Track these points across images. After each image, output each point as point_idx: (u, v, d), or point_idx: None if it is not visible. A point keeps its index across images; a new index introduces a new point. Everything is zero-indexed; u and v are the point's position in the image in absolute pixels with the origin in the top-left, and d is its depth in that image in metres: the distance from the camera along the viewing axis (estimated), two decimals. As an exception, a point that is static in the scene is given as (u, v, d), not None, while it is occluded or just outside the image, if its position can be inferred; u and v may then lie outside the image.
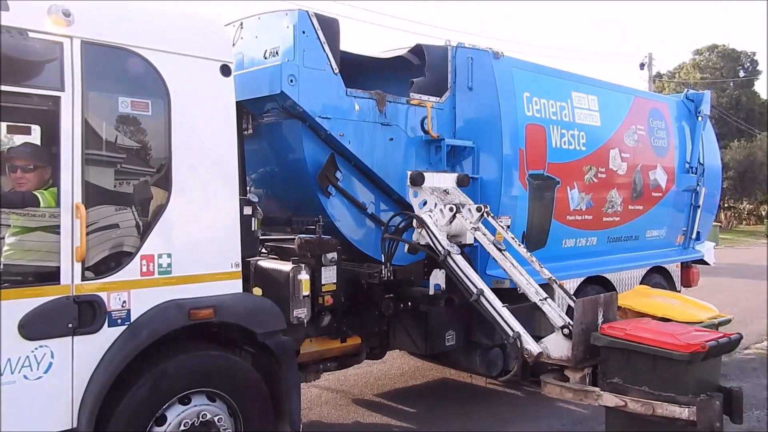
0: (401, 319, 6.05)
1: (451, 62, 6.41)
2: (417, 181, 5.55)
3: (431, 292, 5.55)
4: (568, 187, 7.00)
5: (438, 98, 6.29)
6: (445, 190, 5.71)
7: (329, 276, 5.01)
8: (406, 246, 5.56)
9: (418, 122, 6.06)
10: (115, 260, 3.87)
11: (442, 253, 5.34)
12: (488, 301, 5.25)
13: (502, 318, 5.19)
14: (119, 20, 3.91)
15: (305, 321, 4.78)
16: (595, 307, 5.03)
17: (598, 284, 7.49)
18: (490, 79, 6.34)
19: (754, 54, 48.62)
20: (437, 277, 5.55)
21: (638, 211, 8.06)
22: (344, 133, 5.50)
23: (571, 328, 4.98)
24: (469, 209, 5.59)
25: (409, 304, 5.82)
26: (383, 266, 5.45)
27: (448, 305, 5.63)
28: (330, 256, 5.00)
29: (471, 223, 5.47)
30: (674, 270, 8.86)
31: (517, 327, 5.13)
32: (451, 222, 5.43)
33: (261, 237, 5.44)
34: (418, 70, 6.48)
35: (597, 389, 4.79)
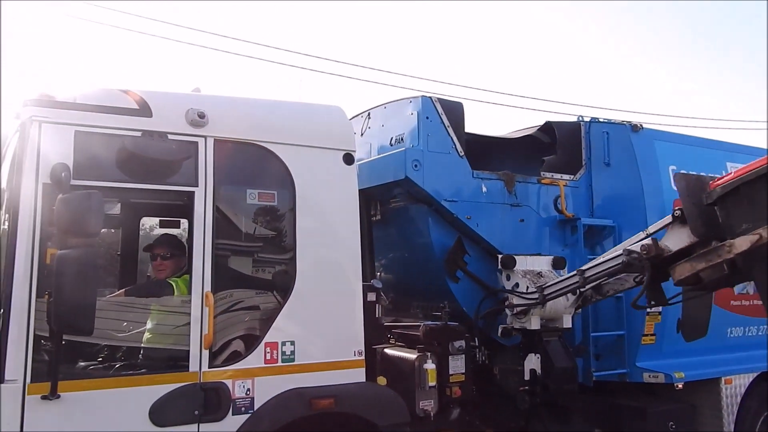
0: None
1: (585, 138, 6.15)
2: (508, 264, 5.29)
3: (526, 377, 5.17)
4: (730, 269, 6.25)
5: (572, 176, 6.01)
6: (539, 273, 5.36)
7: (457, 365, 4.78)
8: (500, 329, 5.28)
9: (551, 201, 5.82)
10: (240, 348, 3.95)
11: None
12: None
13: None
14: (247, 118, 4.17)
15: (432, 414, 4.55)
16: (700, 182, 4.33)
17: (776, 380, 6.51)
18: (629, 154, 5.99)
19: None
20: (532, 362, 5.18)
21: (820, 294, 7.00)
22: (471, 216, 5.38)
23: (681, 210, 4.30)
24: None
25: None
26: (477, 350, 5.17)
27: (544, 392, 5.14)
28: (457, 344, 4.78)
29: (566, 307, 5.17)
30: None
31: None
32: (543, 305, 5.10)
33: (387, 324, 5.38)
34: (549, 148, 6.27)
35: (726, 241, 3.93)
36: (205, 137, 3.92)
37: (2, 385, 3.24)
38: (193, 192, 3.85)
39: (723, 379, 5.98)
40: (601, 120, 6.29)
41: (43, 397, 3.27)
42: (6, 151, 3.88)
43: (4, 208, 3.74)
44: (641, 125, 6.13)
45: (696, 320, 6.03)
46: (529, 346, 5.27)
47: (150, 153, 3.72)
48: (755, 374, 6.24)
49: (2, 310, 3.31)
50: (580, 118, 6.25)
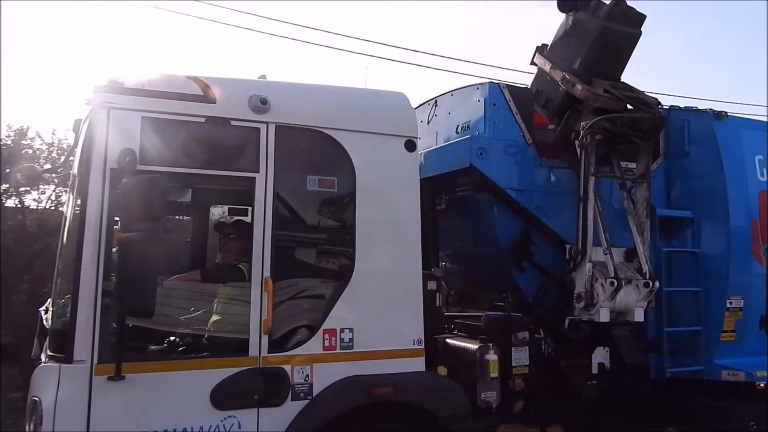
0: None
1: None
2: (578, 255, 5.06)
3: (594, 370, 4.99)
4: (820, 263, 5.83)
5: (648, 165, 5.71)
6: (604, 263, 5.11)
7: (521, 357, 4.66)
8: (567, 321, 5.07)
9: (625, 192, 5.54)
10: (300, 334, 3.97)
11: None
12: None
13: None
14: (309, 104, 4.18)
15: (494, 406, 4.46)
16: None
17: None
18: (711, 143, 5.64)
19: None
20: (600, 355, 4.99)
21: None
22: (539, 206, 5.21)
23: None
24: (636, 285, 5.03)
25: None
26: (543, 341, 5.01)
27: (614, 387, 4.92)
28: (521, 335, 4.67)
29: (638, 300, 4.96)
30: None
31: None
32: (614, 297, 4.88)
33: (449, 314, 5.30)
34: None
35: None
36: (267, 123, 3.95)
37: (71, 365, 3.37)
38: (255, 178, 3.88)
39: (809, 379, 5.58)
40: (681, 107, 5.96)
41: (109, 378, 3.38)
42: (79, 138, 4.03)
43: (75, 193, 3.89)
44: (726, 113, 5.78)
45: (782, 318, 5.68)
46: (597, 339, 5.08)
47: (213, 139, 3.78)
48: None
49: (72, 293, 3.43)
50: (660, 106, 5.93)
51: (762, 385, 5.39)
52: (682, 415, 5.48)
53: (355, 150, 4.17)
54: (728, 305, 5.43)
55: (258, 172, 3.89)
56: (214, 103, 3.85)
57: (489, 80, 5.37)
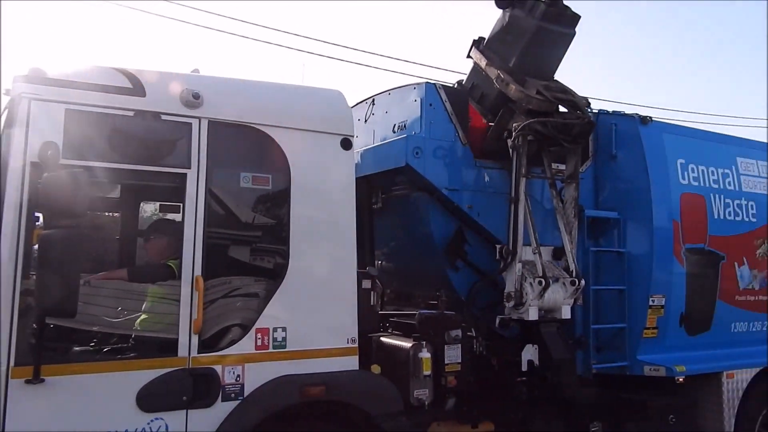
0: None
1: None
2: (508, 254, 5.18)
3: (524, 368, 5.11)
4: (736, 263, 6.17)
5: (578, 167, 5.88)
6: (533, 263, 5.27)
7: (453, 355, 4.71)
8: (498, 320, 5.20)
9: (555, 192, 5.69)
10: (231, 333, 3.90)
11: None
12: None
13: None
14: (244, 100, 4.10)
15: (426, 403, 4.50)
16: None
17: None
18: (636, 146, 5.85)
19: None
20: (529, 352, 5.11)
21: (829, 292, 6.88)
22: (473, 205, 5.29)
23: None
24: (564, 283, 5.19)
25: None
26: (474, 340, 5.11)
27: (542, 383, 5.10)
28: (454, 333, 4.71)
29: (565, 297, 5.14)
30: None
31: None
32: (542, 296, 5.03)
33: (383, 312, 5.32)
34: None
35: None
36: (199, 118, 3.86)
37: None
38: (186, 174, 3.79)
39: (725, 373, 5.91)
40: (609, 112, 6.17)
41: (27, 381, 3.23)
42: None
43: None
44: (650, 118, 6.00)
45: (700, 314, 5.98)
46: (526, 336, 5.20)
47: (142, 133, 3.66)
48: (758, 369, 6.16)
49: None
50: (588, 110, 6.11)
51: (681, 379, 5.64)
52: (607, 410, 5.68)
53: (291, 147, 4.12)
54: (651, 303, 5.65)
55: (189, 168, 3.79)
56: (144, 96, 3.73)
57: (426, 80, 5.40)
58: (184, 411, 3.65)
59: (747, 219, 6.27)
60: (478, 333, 5.26)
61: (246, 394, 3.81)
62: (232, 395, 3.78)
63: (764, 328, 6.42)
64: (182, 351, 3.68)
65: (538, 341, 5.14)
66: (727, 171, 6.27)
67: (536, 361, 5.12)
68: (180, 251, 3.77)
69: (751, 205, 6.31)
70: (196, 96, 3.84)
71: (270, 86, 4.39)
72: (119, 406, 3.48)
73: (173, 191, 4.08)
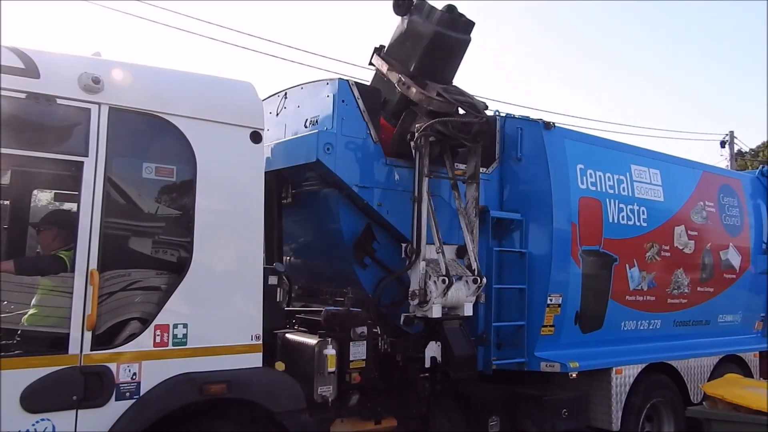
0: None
1: (500, 133, 6.21)
2: (413, 252, 5.28)
3: (427, 364, 5.22)
4: (627, 265, 6.53)
5: (484, 169, 6.05)
6: (436, 261, 5.41)
7: (358, 352, 4.74)
8: (402, 317, 5.29)
9: (463, 193, 5.83)
10: (128, 329, 3.75)
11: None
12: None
13: None
14: (148, 87, 3.94)
15: (330, 400, 4.50)
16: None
17: (663, 372, 6.87)
18: (540, 150, 6.09)
19: None
20: (432, 349, 5.23)
21: (708, 294, 7.44)
22: (382, 203, 5.33)
23: None
24: (466, 281, 5.36)
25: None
26: (380, 337, 5.18)
27: (444, 379, 5.25)
28: (359, 330, 4.74)
29: (467, 295, 5.29)
30: (752, 360, 8.03)
31: None
32: (445, 294, 5.17)
33: (290, 309, 5.28)
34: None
35: None
36: (99, 104, 3.68)
37: None
38: (83, 162, 3.60)
39: (614, 369, 6.24)
40: (515, 116, 6.37)
41: None
42: None
43: None
44: (554, 124, 6.25)
45: (593, 313, 6.30)
46: (430, 333, 5.30)
47: (34, 117, 3.45)
48: (643, 365, 6.55)
49: None
50: (496, 113, 6.30)
51: (574, 375, 5.92)
52: (505, 404, 5.89)
53: (197, 138, 4.00)
54: (549, 302, 5.90)
55: (87, 156, 3.61)
56: (38, 78, 3.52)
57: (339, 76, 5.39)
58: (74, 411, 3.47)
59: (638, 223, 6.65)
60: (384, 330, 5.32)
61: (142, 392, 3.68)
62: (127, 394, 3.64)
63: (650, 327, 6.85)
64: (73, 348, 3.50)
65: (441, 338, 5.25)
66: (621, 177, 6.63)
67: (439, 358, 5.23)
68: (74, 242, 3.58)
69: (643, 211, 6.70)
70: (96, 80, 3.65)
71: (177, 75, 4.24)
72: (2, 407, 3.27)
73: (69, 179, 3.87)
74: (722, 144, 32.62)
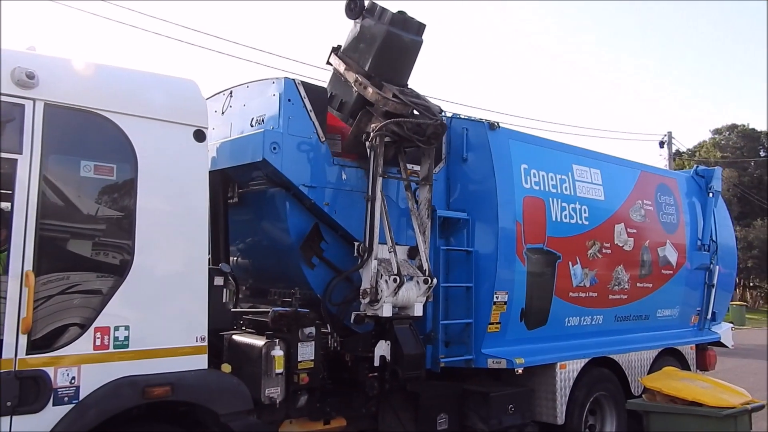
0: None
1: (446, 133, 6.26)
2: (365, 252, 5.29)
3: (376, 363, 5.24)
4: (570, 263, 6.69)
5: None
6: (388, 261, 5.46)
7: (306, 352, 4.71)
8: (353, 316, 5.30)
9: (409, 193, 5.87)
10: (67, 333, 3.63)
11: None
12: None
13: None
14: (87, 83, 3.84)
15: (278, 401, 4.47)
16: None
17: (605, 366, 7.06)
18: (485, 150, 6.18)
19: (775, 135, 48.47)
20: (382, 348, 5.26)
21: (647, 289, 7.69)
22: (330, 203, 5.32)
23: None
24: (417, 281, 5.41)
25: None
26: (329, 336, 5.18)
27: (393, 378, 5.28)
28: (307, 331, 4.72)
29: (417, 295, 5.34)
30: (689, 352, 8.36)
31: None
32: (396, 293, 5.21)
33: (238, 310, 5.22)
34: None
35: None
36: (33, 100, 3.56)
37: None
38: (16, 160, 3.48)
39: (558, 364, 6.38)
40: (461, 116, 6.46)
41: None
42: None
43: None
44: (498, 124, 6.35)
45: (538, 310, 6.43)
46: (380, 333, 5.32)
47: None
48: (586, 360, 6.72)
49: None
50: (443, 113, 6.37)
51: (520, 371, 6.04)
52: (453, 402, 5.96)
53: (138, 137, 3.92)
54: (495, 299, 5.98)
55: (21, 153, 3.49)
56: None
57: (285, 75, 5.35)
58: (9, 417, 3.35)
59: (580, 222, 6.82)
60: (333, 329, 5.31)
61: (81, 397, 3.57)
62: (66, 399, 3.53)
63: (593, 322, 7.04)
64: (7, 352, 3.38)
65: (391, 337, 5.27)
66: (564, 177, 6.79)
67: (388, 357, 5.25)
68: (8, 243, 3.45)
69: (584, 209, 6.88)
70: (30, 75, 3.54)
71: (118, 71, 4.15)
72: None
73: (2, 178, 3.72)
74: (661, 144, 33.91)
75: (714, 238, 8.63)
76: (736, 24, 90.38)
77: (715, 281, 8.55)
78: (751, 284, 41.30)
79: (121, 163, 3.90)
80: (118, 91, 3.96)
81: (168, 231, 4.02)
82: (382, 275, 5.24)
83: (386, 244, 5.35)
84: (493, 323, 6.01)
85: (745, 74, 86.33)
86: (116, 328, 3.74)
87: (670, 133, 33.53)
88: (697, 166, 9.35)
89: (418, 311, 5.43)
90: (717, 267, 8.57)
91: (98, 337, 3.67)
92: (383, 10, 5.45)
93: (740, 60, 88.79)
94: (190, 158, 4.15)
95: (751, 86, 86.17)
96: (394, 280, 5.20)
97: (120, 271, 3.83)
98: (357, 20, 5.55)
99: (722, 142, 49.29)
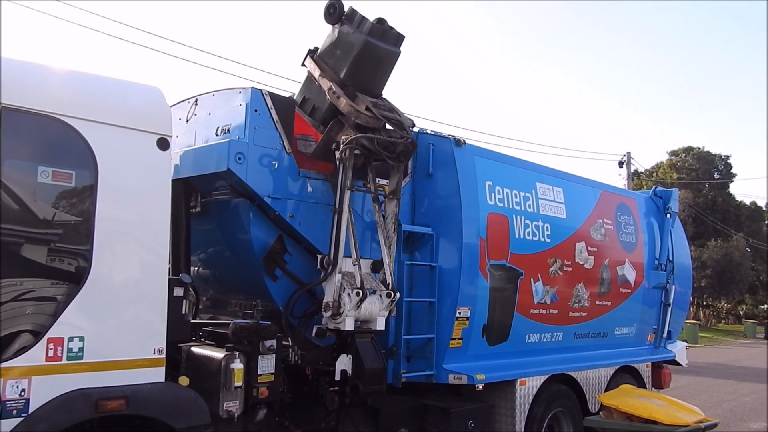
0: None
1: (412, 148, 6.28)
2: (329, 265, 5.27)
3: (337, 377, 5.21)
4: (532, 280, 6.76)
5: (397, 183, 6.11)
6: (352, 274, 5.44)
7: (267, 365, 4.66)
8: (315, 330, 5.27)
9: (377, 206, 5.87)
10: (18, 342, 3.51)
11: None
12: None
13: None
14: (46, 87, 3.75)
15: (236, 415, 4.39)
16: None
17: (564, 383, 7.14)
18: (450, 166, 6.22)
19: (727, 157, 50.04)
20: (343, 362, 5.23)
21: (606, 307, 7.82)
22: (294, 214, 5.29)
23: None
24: (380, 295, 5.40)
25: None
26: (290, 350, 5.14)
27: (353, 392, 5.25)
28: (268, 343, 4.66)
29: (380, 309, 5.34)
30: (645, 370, 8.52)
31: None
32: (358, 307, 5.19)
33: (197, 321, 5.13)
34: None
35: None
36: None
37: None
38: None
39: (518, 380, 6.41)
40: (428, 132, 6.49)
41: None
42: None
43: None
44: (464, 140, 6.40)
45: (499, 326, 6.47)
46: (342, 346, 5.29)
47: None
48: (546, 377, 6.78)
49: None
50: (413, 127, 6.38)
51: (480, 387, 6.06)
52: (413, 417, 5.94)
53: (99, 143, 3.83)
54: (457, 315, 6.01)
55: None
56: None
57: (252, 85, 5.31)
58: None
59: (543, 239, 6.91)
60: (294, 343, 5.25)
61: (31, 410, 3.45)
62: (14, 412, 3.41)
63: (553, 339, 7.12)
64: None
65: (352, 351, 5.24)
66: (527, 194, 6.87)
67: (349, 371, 5.21)
68: (-42, 249, 3.33)
69: (547, 227, 6.97)
70: None
71: (80, 76, 4.06)
72: None
73: None
74: (620, 164, 34.68)
75: (671, 258, 8.84)
76: (694, 51, 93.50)
77: (671, 300, 8.74)
78: (704, 303, 42.44)
79: (81, 170, 3.80)
80: (79, 97, 3.87)
81: (127, 239, 3.94)
82: (345, 288, 5.21)
83: (351, 257, 5.32)
84: (455, 339, 6.03)
85: (702, 99, 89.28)
86: (70, 339, 3.63)
87: (629, 153, 34.31)
88: (656, 187, 9.56)
89: (380, 325, 5.41)
90: (673, 286, 8.76)
91: (51, 348, 3.56)
92: (363, 18, 5.41)
93: (697, 86, 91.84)
94: (153, 166, 4.08)
95: (708, 110, 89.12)
96: (357, 294, 5.18)
97: (77, 280, 3.73)
98: (336, 25, 5.50)
99: (678, 163, 50.66)
